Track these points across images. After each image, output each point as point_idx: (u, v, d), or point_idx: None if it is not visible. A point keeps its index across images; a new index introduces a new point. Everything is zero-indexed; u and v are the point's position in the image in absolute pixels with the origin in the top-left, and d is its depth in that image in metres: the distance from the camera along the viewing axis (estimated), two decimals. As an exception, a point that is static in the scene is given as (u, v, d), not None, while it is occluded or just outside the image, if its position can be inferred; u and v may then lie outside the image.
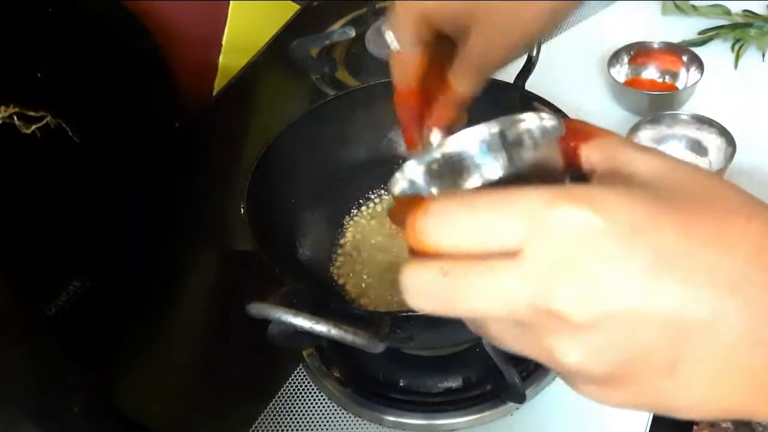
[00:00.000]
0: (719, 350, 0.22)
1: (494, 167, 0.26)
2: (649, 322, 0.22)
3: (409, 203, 0.26)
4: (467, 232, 0.23)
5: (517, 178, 0.26)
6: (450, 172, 0.26)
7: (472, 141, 0.25)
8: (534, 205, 0.22)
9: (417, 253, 0.24)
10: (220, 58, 0.86)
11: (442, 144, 0.26)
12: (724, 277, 0.22)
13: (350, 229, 0.61)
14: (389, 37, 0.40)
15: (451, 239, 0.23)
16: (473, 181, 0.26)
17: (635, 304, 0.21)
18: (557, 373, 0.25)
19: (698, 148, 0.68)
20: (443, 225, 0.23)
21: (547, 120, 0.26)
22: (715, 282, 0.22)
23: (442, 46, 0.41)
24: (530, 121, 0.26)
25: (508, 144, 0.26)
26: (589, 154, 0.27)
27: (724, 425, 0.54)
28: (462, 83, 0.41)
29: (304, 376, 0.57)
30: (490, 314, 0.23)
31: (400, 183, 0.28)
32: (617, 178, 0.25)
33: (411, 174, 0.27)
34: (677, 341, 0.22)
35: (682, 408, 0.23)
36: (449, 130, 0.43)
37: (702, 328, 0.22)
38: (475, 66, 0.40)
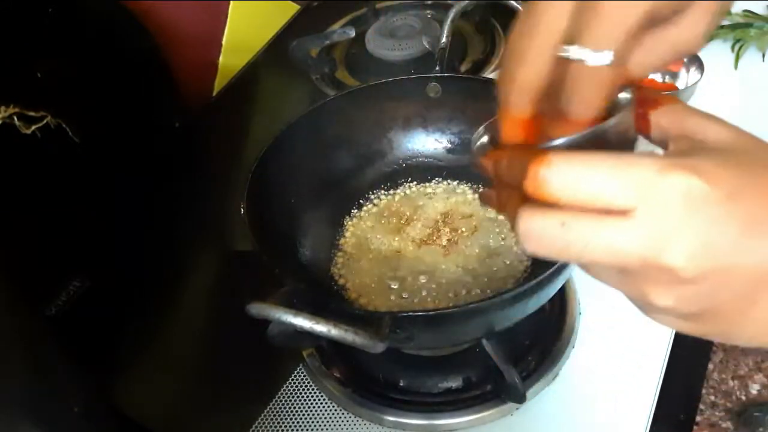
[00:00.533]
0: None
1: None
2: (741, 276, 0.25)
3: (497, 156, 0.29)
4: (587, 188, 0.25)
5: (596, 141, 0.28)
6: None
7: None
8: (649, 171, 0.25)
9: (530, 200, 0.27)
10: (220, 58, 0.86)
11: None
12: None
13: (350, 229, 0.61)
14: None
15: (572, 192, 0.26)
16: (556, 141, 0.28)
17: (733, 259, 0.25)
18: (636, 303, 0.29)
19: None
20: (566, 177, 0.26)
21: (623, 91, 0.29)
22: None
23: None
24: None
25: None
26: (659, 120, 0.30)
27: (724, 425, 0.54)
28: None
29: (304, 376, 0.57)
30: (600, 262, 0.26)
31: (482, 141, 0.31)
32: (693, 145, 0.28)
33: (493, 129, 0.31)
34: (759, 289, 0.25)
35: (746, 338, 0.27)
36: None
37: None
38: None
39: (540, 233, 0.26)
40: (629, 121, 0.29)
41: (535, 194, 0.26)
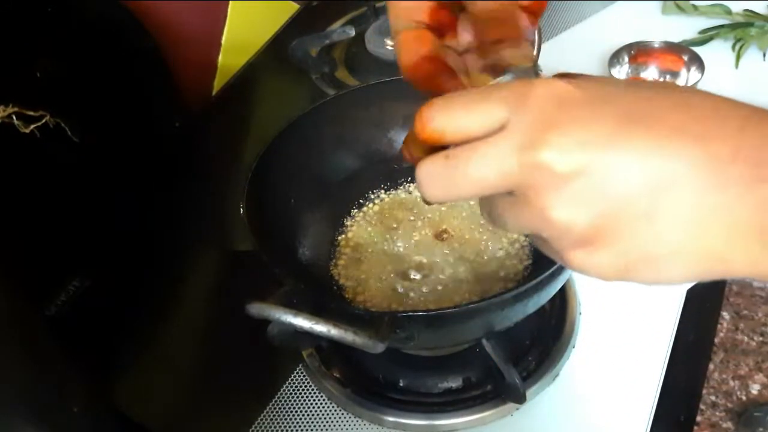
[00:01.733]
0: (692, 198, 0.24)
1: None
2: (621, 170, 0.24)
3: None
4: (466, 116, 0.26)
5: None
6: None
7: None
8: (519, 86, 0.26)
9: (428, 151, 0.28)
10: (220, 57, 0.86)
11: None
12: (691, 131, 0.24)
13: (350, 229, 0.61)
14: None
15: (453, 124, 0.27)
16: None
17: (608, 152, 0.24)
18: (550, 251, 0.28)
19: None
20: (446, 111, 0.27)
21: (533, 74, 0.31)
22: (681, 135, 0.24)
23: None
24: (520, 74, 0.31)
25: None
26: None
27: (724, 426, 0.54)
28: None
29: (304, 376, 0.57)
30: (487, 185, 0.26)
31: None
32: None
33: None
34: (651, 190, 0.24)
35: (662, 258, 0.25)
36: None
37: (672, 177, 0.24)
38: None
39: (430, 174, 0.27)
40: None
41: (423, 135, 0.27)
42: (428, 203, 0.30)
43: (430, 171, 0.28)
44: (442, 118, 0.27)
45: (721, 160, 0.24)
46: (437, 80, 0.37)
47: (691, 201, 0.24)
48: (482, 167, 0.26)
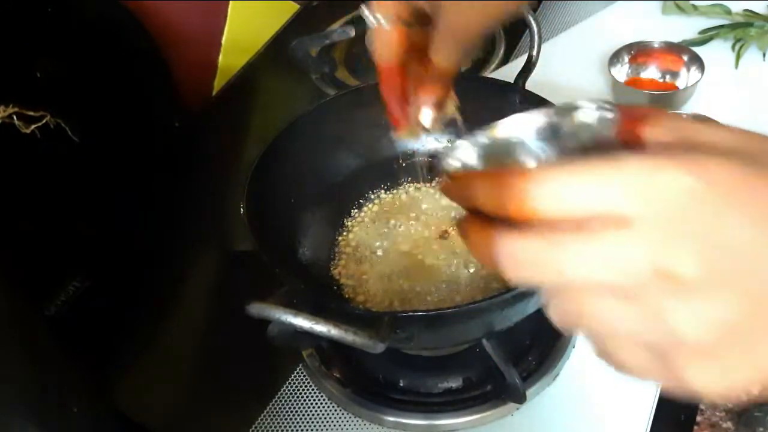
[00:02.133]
0: None
1: (547, 153, 0.26)
2: (757, 275, 0.22)
3: (469, 177, 0.27)
4: (575, 197, 0.23)
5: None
6: (499, 156, 0.27)
7: (527, 126, 0.26)
8: (641, 169, 0.22)
9: (512, 223, 0.24)
10: (220, 57, 0.86)
11: (493, 127, 0.27)
12: None
13: (350, 229, 0.61)
14: (368, 15, 0.41)
15: (559, 204, 0.23)
16: (527, 165, 0.26)
17: (744, 255, 0.22)
18: (662, 381, 0.25)
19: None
20: (552, 189, 0.23)
21: (602, 110, 0.26)
22: None
23: (422, 27, 0.41)
24: (586, 112, 0.26)
25: (562, 133, 0.26)
26: (653, 131, 0.26)
27: (725, 426, 0.54)
28: (443, 58, 0.41)
29: (304, 376, 0.57)
30: (599, 280, 0.23)
31: (452, 163, 0.28)
32: (696, 147, 0.24)
33: (463, 155, 0.28)
34: None
35: None
36: (438, 109, 0.44)
37: None
38: (453, 39, 0.41)
39: (524, 255, 0.24)
40: (608, 139, 0.26)
41: (519, 212, 0.24)
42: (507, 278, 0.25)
43: (523, 249, 0.24)
44: (548, 197, 0.23)
45: None
46: (390, 99, 0.43)
47: None
48: (600, 262, 0.22)
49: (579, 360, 0.56)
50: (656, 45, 0.78)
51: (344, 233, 0.60)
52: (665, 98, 0.75)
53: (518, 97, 0.58)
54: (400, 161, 0.64)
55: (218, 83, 0.86)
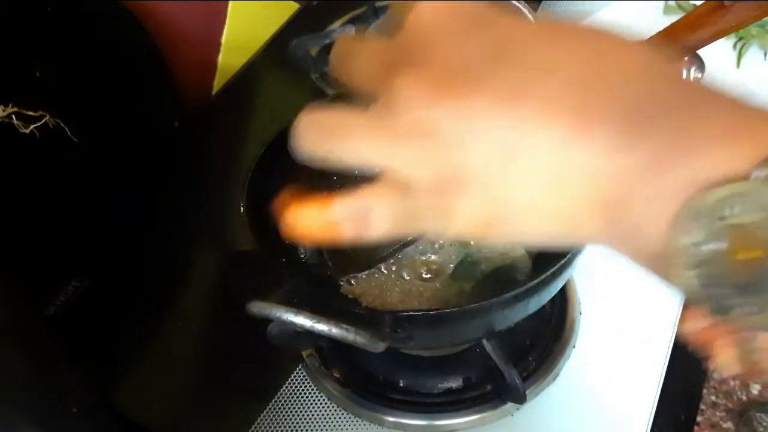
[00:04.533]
0: (550, 158, 0.22)
1: None
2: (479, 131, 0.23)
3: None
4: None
5: None
6: None
7: None
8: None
9: None
10: (220, 57, 0.86)
11: None
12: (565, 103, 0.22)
13: (350, 228, 0.61)
14: None
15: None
16: None
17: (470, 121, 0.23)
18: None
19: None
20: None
21: None
22: (549, 106, 0.22)
23: None
24: None
25: None
26: None
27: (725, 426, 0.54)
28: None
29: (304, 376, 0.57)
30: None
31: None
32: None
33: None
34: (516, 146, 0.22)
35: (516, 208, 0.24)
36: None
37: (528, 140, 0.22)
38: None
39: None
40: None
41: None
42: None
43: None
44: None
45: (583, 128, 0.22)
46: None
47: (550, 162, 0.23)
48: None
49: (579, 360, 0.56)
50: (656, 45, 0.78)
51: (344, 233, 0.60)
52: (665, 98, 0.75)
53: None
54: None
55: (218, 83, 0.86)
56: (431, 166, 0.24)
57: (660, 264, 0.21)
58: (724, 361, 0.22)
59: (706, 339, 0.23)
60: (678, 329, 0.29)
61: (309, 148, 0.29)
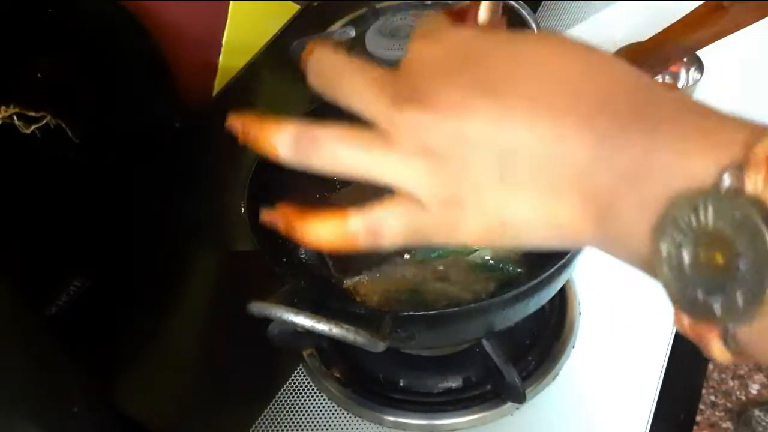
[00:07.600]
0: (544, 165, 0.24)
1: None
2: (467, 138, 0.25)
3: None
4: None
5: None
6: None
7: None
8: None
9: None
10: (220, 58, 0.86)
11: None
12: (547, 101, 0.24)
13: (350, 229, 0.61)
14: None
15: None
16: None
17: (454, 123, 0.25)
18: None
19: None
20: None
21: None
22: (535, 107, 0.24)
23: None
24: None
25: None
26: None
27: (724, 425, 0.54)
28: None
29: (304, 376, 0.57)
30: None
31: None
32: None
33: None
34: (509, 159, 0.24)
35: (515, 218, 0.25)
36: None
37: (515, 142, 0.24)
38: None
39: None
40: None
41: None
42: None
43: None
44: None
45: (565, 125, 0.24)
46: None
47: (547, 168, 0.24)
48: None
49: (579, 360, 0.56)
50: (656, 45, 0.78)
51: (344, 233, 0.60)
52: (665, 98, 0.75)
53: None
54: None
55: (218, 83, 0.86)
56: (438, 186, 0.26)
57: (650, 266, 0.23)
58: (715, 352, 0.23)
59: (696, 333, 0.24)
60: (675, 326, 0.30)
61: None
